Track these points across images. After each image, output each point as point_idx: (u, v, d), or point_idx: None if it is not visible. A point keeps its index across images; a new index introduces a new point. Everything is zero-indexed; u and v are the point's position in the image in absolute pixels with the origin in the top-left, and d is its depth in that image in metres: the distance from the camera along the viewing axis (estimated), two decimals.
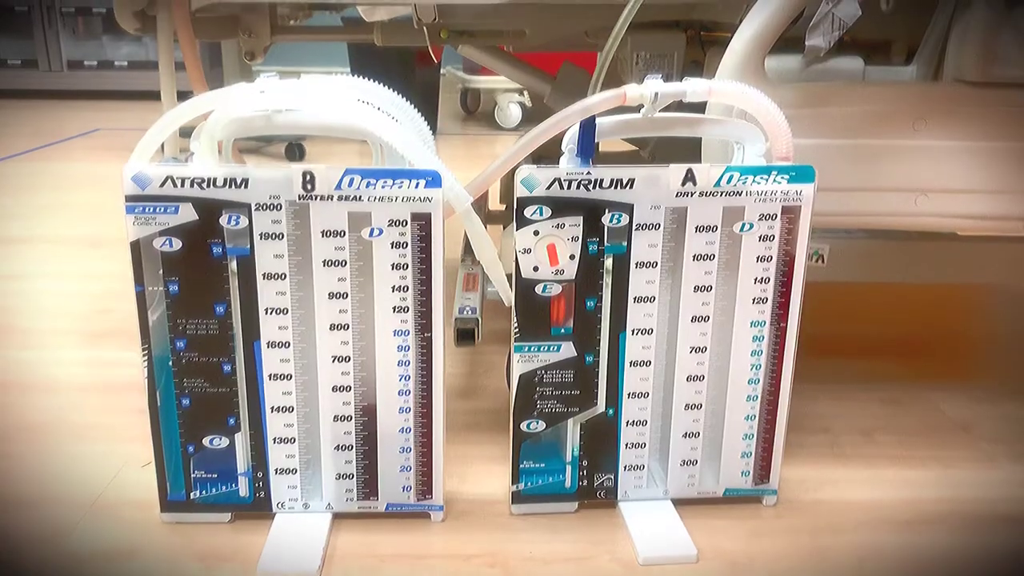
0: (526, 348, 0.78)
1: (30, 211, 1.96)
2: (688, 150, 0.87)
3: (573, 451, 0.81)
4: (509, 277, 0.77)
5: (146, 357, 0.75)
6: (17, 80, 3.79)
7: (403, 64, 2.94)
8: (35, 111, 3.52)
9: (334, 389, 0.77)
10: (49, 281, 1.51)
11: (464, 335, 0.97)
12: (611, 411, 0.80)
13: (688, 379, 0.80)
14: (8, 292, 1.46)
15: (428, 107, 3.07)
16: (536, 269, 0.76)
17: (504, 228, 1.36)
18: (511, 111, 3.26)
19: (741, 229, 0.76)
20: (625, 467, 0.82)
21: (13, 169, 2.43)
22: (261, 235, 0.73)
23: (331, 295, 0.75)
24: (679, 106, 0.76)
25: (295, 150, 2.69)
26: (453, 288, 1.13)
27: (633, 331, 0.78)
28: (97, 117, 3.31)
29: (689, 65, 1.18)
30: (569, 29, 1.12)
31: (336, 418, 0.78)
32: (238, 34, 1.15)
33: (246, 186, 0.71)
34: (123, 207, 0.71)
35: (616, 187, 0.74)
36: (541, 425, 0.80)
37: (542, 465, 0.81)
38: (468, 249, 1.16)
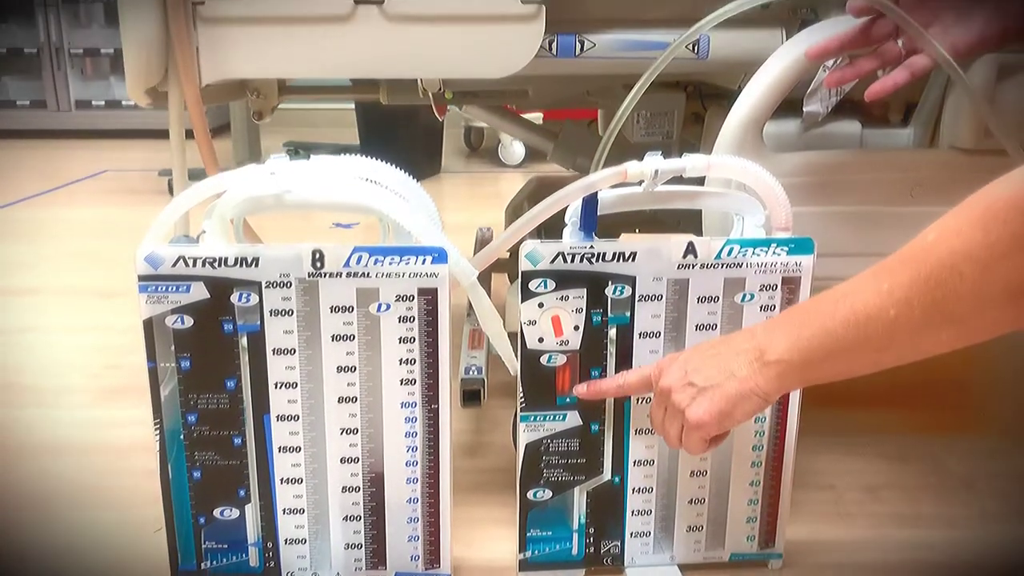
0: (532, 418, 0.79)
1: (39, 260, 1.98)
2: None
3: (580, 518, 0.82)
4: (512, 338, 0.78)
5: (158, 431, 0.77)
6: (26, 120, 3.83)
7: None
8: (44, 151, 3.56)
9: (342, 461, 0.78)
10: (58, 334, 1.53)
11: (470, 396, 0.98)
12: (617, 479, 0.81)
13: None
14: (17, 346, 1.47)
15: (432, 144, 3.10)
16: (541, 340, 0.77)
17: (509, 278, 1.37)
18: (514, 148, 3.28)
19: (742, 300, 0.77)
20: (632, 534, 0.83)
21: (22, 215, 2.46)
22: (271, 312, 0.74)
23: (339, 369, 0.76)
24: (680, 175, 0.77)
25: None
26: (458, 340, 1.14)
27: (637, 399, 0.79)
28: (105, 157, 3.34)
29: (690, 118, 1.20)
30: (571, 90, 1.14)
31: (344, 489, 0.79)
32: (246, 95, 1.17)
33: (256, 265, 0.73)
34: (133, 257, 0.72)
35: (618, 260, 0.76)
36: (548, 493, 0.81)
37: (549, 533, 0.82)
38: None
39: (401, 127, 2.87)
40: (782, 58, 0.82)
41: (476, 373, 1.00)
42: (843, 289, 0.62)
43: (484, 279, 1.10)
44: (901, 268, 0.58)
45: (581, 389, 0.78)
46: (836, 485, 1.01)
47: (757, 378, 0.66)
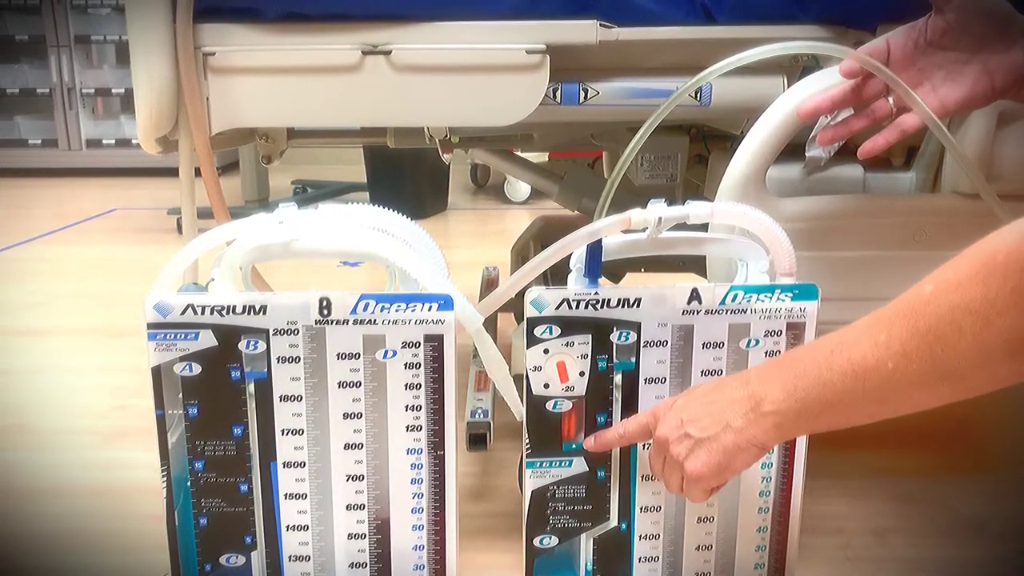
0: (538, 464, 0.79)
1: (50, 299, 1.99)
2: None
3: (586, 566, 0.81)
4: (518, 381, 0.78)
5: (165, 478, 0.77)
6: (38, 159, 3.88)
7: None
8: (55, 189, 3.60)
9: (348, 508, 0.78)
10: (66, 375, 1.53)
11: (476, 440, 0.98)
12: (624, 525, 0.81)
13: None
14: (26, 388, 1.48)
15: (439, 181, 3.12)
16: (547, 386, 0.78)
17: (516, 318, 1.38)
18: (520, 185, 3.30)
19: (747, 345, 0.78)
20: None
21: (33, 253, 2.48)
22: (278, 359, 0.75)
23: (346, 415, 0.76)
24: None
25: None
26: (464, 380, 1.14)
27: (644, 446, 0.79)
28: (115, 195, 3.38)
29: (694, 159, 1.21)
30: (576, 134, 1.15)
31: (350, 536, 0.79)
32: (255, 139, 1.19)
33: (264, 312, 0.74)
34: (142, 297, 0.73)
35: (623, 306, 0.76)
36: (554, 540, 0.81)
37: None
38: None
39: (408, 165, 2.89)
40: (783, 106, 0.83)
41: (482, 416, 1.00)
42: (838, 338, 0.62)
43: (490, 320, 1.10)
44: (899, 321, 0.58)
45: (590, 443, 0.78)
46: (844, 529, 1.00)
47: (754, 429, 0.65)
